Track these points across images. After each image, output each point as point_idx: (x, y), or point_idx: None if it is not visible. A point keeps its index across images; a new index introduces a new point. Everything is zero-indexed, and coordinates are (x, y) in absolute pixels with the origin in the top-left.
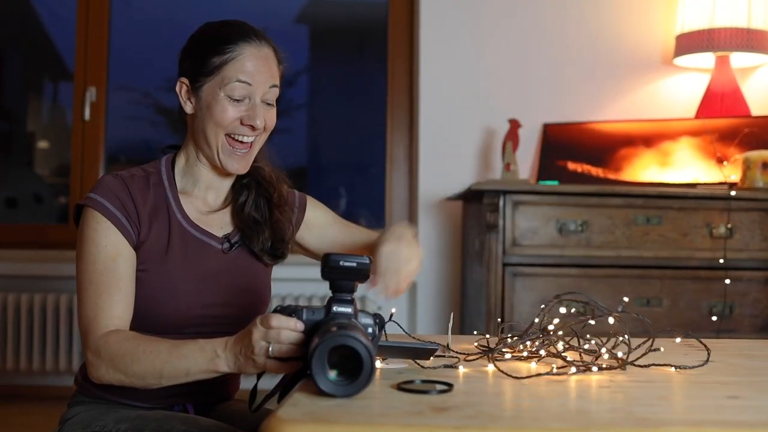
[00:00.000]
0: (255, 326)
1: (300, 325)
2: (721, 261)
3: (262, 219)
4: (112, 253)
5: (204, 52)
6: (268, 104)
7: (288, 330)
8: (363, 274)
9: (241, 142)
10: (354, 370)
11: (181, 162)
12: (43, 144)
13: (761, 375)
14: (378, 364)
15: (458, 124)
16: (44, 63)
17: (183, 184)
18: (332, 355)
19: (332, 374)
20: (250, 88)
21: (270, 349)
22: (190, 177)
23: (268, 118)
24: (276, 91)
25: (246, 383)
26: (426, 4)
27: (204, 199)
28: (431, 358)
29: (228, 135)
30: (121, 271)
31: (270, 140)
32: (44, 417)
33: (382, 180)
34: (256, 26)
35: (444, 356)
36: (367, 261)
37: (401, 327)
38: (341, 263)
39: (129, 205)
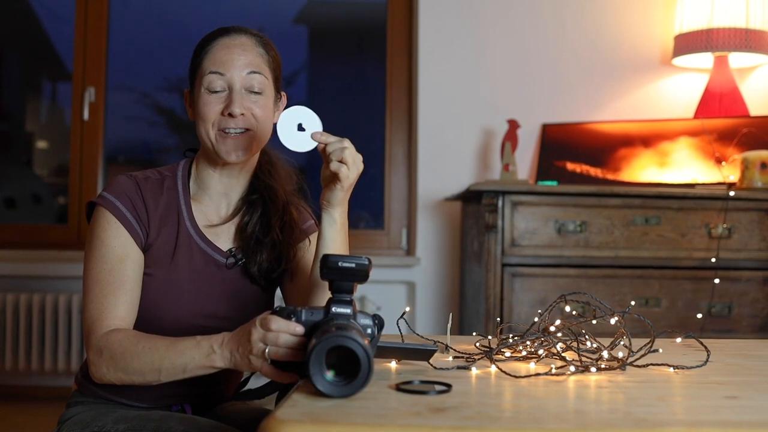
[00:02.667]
0: (254, 327)
1: (300, 329)
2: (713, 260)
3: (263, 239)
4: (120, 253)
5: (191, 58)
6: (253, 93)
7: (287, 334)
8: (362, 275)
9: (231, 134)
10: (351, 370)
11: (194, 169)
12: (41, 144)
13: (760, 375)
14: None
15: (457, 124)
16: (43, 63)
17: (195, 191)
18: (330, 356)
19: (329, 375)
20: (224, 77)
21: (267, 351)
22: (201, 184)
23: (253, 105)
24: (259, 78)
25: None
26: (425, 4)
27: (217, 208)
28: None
29: (220, 130)
30: (128, 273)
31: (272, 140)
32: (43, 417)
33: (381, 180)
34: (255, 26)
35: (461, 357)
36: (366, 262)
37: (408, 324)
38: (340, 264)
39: (140, 206)
